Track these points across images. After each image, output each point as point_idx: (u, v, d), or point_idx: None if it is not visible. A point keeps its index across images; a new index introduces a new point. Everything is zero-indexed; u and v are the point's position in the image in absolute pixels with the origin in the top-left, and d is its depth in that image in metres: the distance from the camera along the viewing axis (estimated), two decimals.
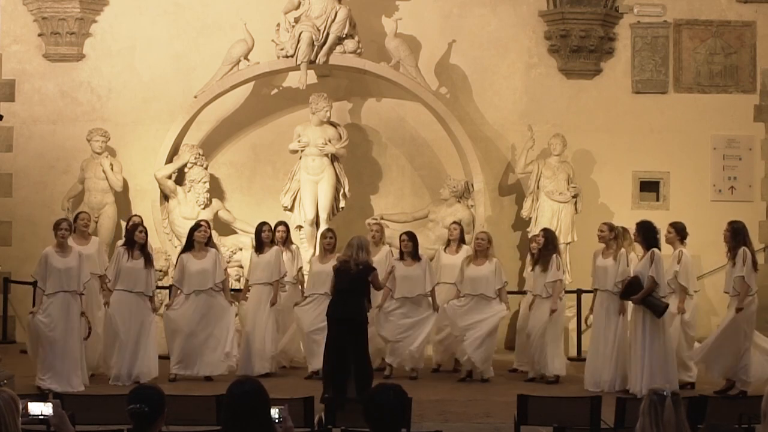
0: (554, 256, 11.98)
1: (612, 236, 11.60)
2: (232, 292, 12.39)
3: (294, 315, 12.26)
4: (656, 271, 10.86)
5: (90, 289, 11.56)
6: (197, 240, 11.77)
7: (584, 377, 11.51)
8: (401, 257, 12.11)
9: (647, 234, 11.06)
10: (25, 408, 5.06)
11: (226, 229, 14.47)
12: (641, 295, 10.81)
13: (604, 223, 11.84)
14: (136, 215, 13.05)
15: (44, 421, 5.27)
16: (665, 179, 15.14)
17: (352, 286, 10.38)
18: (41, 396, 7.68)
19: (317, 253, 12.91)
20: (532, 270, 12.15)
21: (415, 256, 12.08)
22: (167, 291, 13.15)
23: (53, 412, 5.09)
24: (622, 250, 11.56)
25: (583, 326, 12.76)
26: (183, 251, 11.93)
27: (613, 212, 14.68)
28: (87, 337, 11.21)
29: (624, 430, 7.67)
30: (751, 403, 7.66)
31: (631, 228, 11.72)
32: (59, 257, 10.94)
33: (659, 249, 11.08)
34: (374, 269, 10.69)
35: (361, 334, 10.45)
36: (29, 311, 11.09)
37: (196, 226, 11.96)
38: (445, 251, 12.57)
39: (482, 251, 12.00)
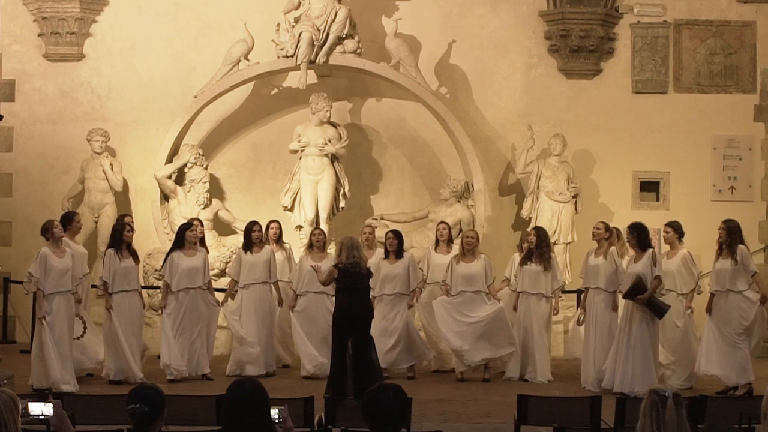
0: (554, 256, 12.03)
1: (606, 235, 11.67)
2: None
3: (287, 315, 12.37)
4: (660, 271, 10.92)
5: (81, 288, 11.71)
6: (188, 239, 11.80)
7: (581, 376, 11.56)
8: (386, 255, 12.13)
9: (642, 235, 11.11)
10: (25, 408, 5.06)
11: (226, 229, 14.47)
12: (648, 294, 10.83)
13: (601, 222, 11.94)
14: (126, 215, 13.02)
15: (44, 421, 5.27)
16: (665, 179, 15.15)
17: (364, 285, 10.70)
18: (41, 396, 7.66)
19: (308, 252, 12.72)
20: (524, 265, 12.06)
21: (399, 254, 12.10)
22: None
23: (53, 412, 5.09)
24: (612, 248, 11.61)
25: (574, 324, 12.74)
26: (172, 249, 11.89)
27: (613, 212, 14.70)
28: (81, 336, 11.27)
29: (624, 430, 7.67)
30: (751, 403, 7.66)
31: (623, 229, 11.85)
32: (57, 258, 10.95)
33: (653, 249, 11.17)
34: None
35: (368, 329, 10.68)
36: (39, 317, 10.90)
37: (188, 225, 11.99)
38: (435, 251, 12.53)
39: (471, 249, 12.03)
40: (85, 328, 11.33)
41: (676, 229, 11.68)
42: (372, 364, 10.49)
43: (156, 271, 13.54)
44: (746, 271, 11.06)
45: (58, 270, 10.88)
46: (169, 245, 13.92)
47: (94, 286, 12.61)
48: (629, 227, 11.30)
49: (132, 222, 12.35)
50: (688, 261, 11.62)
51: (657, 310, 10.90)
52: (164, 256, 12.02)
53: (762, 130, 15.28)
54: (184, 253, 11.76)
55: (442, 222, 12.91)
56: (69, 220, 11.62)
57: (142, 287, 12.94)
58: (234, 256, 12.71)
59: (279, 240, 12.66)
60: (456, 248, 12.49)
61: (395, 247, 12.10)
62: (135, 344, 11.45)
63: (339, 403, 8.15)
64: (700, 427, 6.51)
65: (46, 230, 11.02)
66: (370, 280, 10.97)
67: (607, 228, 11.79)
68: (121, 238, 11.53)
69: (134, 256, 11.63)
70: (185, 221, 12.49)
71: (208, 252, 12.23)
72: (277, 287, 12.24)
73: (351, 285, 10.55)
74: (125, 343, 11.27)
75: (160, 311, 11.88)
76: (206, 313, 11.82)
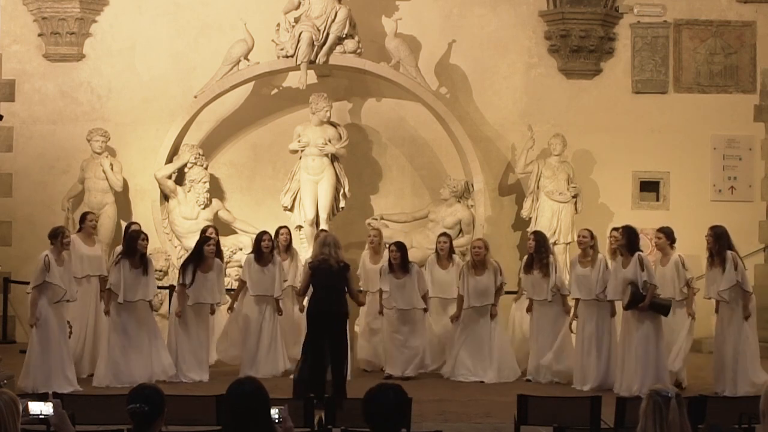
0: (552, 259, 11.99)
1: (592, 243, 11.65)
2: (231, 292, 12.46)
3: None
4: (650, 273, 10.89)
5: (91, 290, 11.72)
6: (206, 254, 11.72)
7: (573, 380, 11.64)
8: (390, 269, 11.98)
9: (632, 239, 11.08)
10: (25, 408, 5.06)
11: (226, 229, 14.46)
12: (648, 302, 10.80)
13: (585, 230, 11.87)
14: (135, 222, 12.97)
15: (44, 421, 5.27)
16: (665, 179, 15.14)
17: (334, 283, 10.39)
18: (41, 396, 7.67)
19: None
20: (527, 274, 12.03)
21: (404, 267, 11.95)
22: (167, 291, 13.18)
23: (53, 412, 5.09)
24: (600, 256, 11.62)
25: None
26: (191, 261, 11.75)
27: (613, 212, 14.70)
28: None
29: (624, 430, 7.67)
30: (751, 403, 7.65)
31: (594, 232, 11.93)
32: (57, 266, 10.84)
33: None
34: (350, 266, 10.72)
35: (344, 326, 10.49)
36: (31, 323, 10.86)
37: (206, 239, 11.87)
38: (437, 264, 12.42)
39: (480, 260, 11.98)
40: (70, 331, 11.21)
41: (667, 235, 11.59)
42: (340, 365, 10.33)
43: (156, 270, 13.51)
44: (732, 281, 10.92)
45: (59, 279, 10.83)
46: (168, 245, 13.98)
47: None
48: (621, 229, 11.27)
49: (140, 227, 12.24)
50: (678, 265, 11.50)
51: (661, 309, 10.88)
52: (184, 266, 11.83)
53: (762, 130, 15.28)
54: (200, 268, 11.64)
55: (443, 234, 12.78)
56: (56, 235, 11.09)
57: None
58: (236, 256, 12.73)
59: (289, 247, 12.63)
60: (456, 258, 12.47)
61: (399, 260, 11.95)
62: (142, 352, 11.36)
63: (318, 401, 8.17)
64: (700, 427, 6.50)
65: (55, 237, 10.97)
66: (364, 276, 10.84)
67: (592, 235, 11.76)
68: (135, 246, 11.38)
69: (146, 266, 11.40)
70: (193, 222, 12.27)
71: (222, 264, 12.19)
72: (277, 301, 12.17)
73: (322, 282, 10.37)
74: (116, 351, 11.26)
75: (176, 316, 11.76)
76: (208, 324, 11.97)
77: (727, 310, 11.03)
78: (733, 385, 10.84)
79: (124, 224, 13.55)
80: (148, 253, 11.66)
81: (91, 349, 11.80)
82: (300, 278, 12.21)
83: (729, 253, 10.95)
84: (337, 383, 10.14)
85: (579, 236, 11.85)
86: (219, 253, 12.06)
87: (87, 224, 11.99)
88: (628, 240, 11.04)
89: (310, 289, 10.70)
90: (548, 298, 11.84)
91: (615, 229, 12.01)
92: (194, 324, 11.69)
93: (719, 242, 10.99)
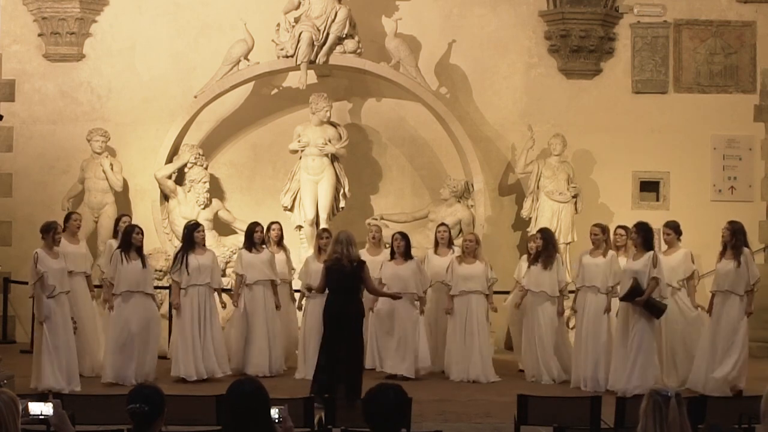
0: (558, 256, 12.04)
1: (605, 238, 11.68)
2: (230, 293, 12.48)
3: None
4: (660, 272, 10.90)
5: (79, 288, 11.76)
6: (197, 240, 11.80)
7: (572, 377, 11.62)
8: (392, 257, 12.09)
9: (647, 235, 11.10)
10: (25, 408, 5.06)
11: (226, 229, 14.48)
12: (646, 296, 10.81)
13: (596, 225, 11.85)
14: (125, 214, 13.04)
15: (44, 421, 5.27)
16: (665, 179, 15.15)
17: (348, 284, 10.33)
18: (41, 396, 7.67)
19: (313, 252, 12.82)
20: (533, 265, 12.06)
21: (407, 256, 12.05)
22: (167, 291, 13.17)
23: (53, 412, 5.09)
24: (611, 251, 11.63)
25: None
26: (185, 250, 11.82)
27: (613, 212, 14.70)
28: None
29: (624, 430, 7.67)
30: (751, 403, 7.65)
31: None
32: (52, 259, 10.92)
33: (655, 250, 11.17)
34: (365, 263, 10.60)
35: (359, 331, 10.40)
36: (40, 320, 10.86)
37: (195, 226, 11.97)
38: (435, 253, 12.54)
39: (470, 252, 12.05)
40: (75, 328, 11.25)
41: (675, 229, 11.72)
42: (354, 369, 10.24)
43: (156, 271, 13.53)
44: (748, 277, 11.01)
45: (56, 270, 10.88)
46: (168, 245, 13.99)
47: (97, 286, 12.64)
48: (635, 226, 11.27)
49: (131, 221, 12.35)
50: (687, 256, 11.63)
51: (654, 310, 10.89)
52: (176, 255, 11.93)
53: (762, 130, 15.28)
54: (195, 254, 11.74)
55: (442, 224, 12.92)
56: (48, 230, 11.11)
57: None
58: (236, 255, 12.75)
59: (280, 242, 12.66)
60: (457, 250, 12.50)
61: (402, 249, 12.02)
62: (143, 346, 11.38)
63: (320, 400, 8.16)
64: (700, 427, 6.49)
65: (47, 231, 10.99)
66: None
67: (604, 231, 11.79)
68: (129, 240, 11.46)
69: (143, 259, 11.51)
70: (191, 222, 12.36)
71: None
72: (275, 289, 12.22)
73: (333, 284, 10.36)
74: (120, 344, 11.27)
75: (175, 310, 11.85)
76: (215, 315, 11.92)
77: (726, 304, 11.06)
78: (705, 381, 10.92)
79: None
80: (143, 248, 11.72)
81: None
82: (296, 274, 12.51)
83: (746, 250, 11.05)
84: (352, 383, 10.07)
85: (591, 234, 11.80)
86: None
87: (71, 224, 12.04)
88: (644, 238, 11.05)
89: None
90: (549, 292, 11.84)
91: (620, 226, 12.08)
92: (195, 318, 11.67)
93: (736, 237, 11.10)
